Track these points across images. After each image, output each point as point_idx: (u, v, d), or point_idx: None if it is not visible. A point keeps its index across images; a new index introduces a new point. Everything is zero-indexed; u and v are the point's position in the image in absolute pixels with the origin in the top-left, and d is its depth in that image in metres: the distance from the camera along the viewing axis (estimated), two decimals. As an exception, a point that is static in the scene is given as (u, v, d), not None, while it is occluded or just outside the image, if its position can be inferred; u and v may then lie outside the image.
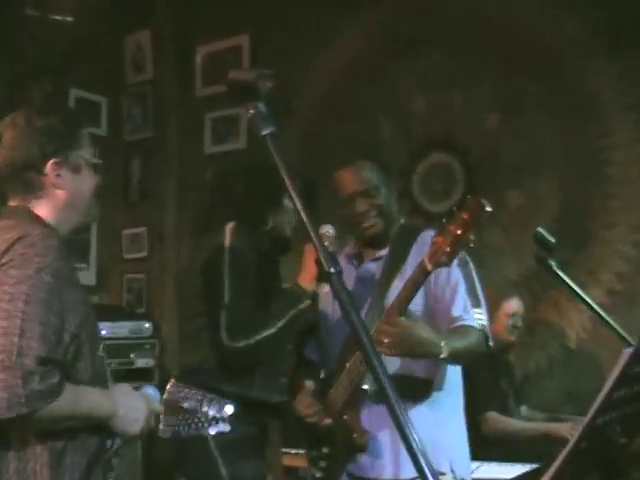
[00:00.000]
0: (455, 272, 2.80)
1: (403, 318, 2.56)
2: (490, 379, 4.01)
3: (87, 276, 5.80)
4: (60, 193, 2.26)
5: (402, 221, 3.07)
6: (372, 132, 5.16)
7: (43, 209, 2.25)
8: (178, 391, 3.00)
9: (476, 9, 4.86)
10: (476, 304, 2.82)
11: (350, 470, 2.88)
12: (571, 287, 2.65)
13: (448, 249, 2.41)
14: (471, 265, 2.88)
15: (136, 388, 2.35)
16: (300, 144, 5.20)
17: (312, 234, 1.39)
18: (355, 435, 2.79)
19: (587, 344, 4.48)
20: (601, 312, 2.63)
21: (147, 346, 5.28)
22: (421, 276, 2.53)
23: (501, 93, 4.82)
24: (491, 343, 2.85)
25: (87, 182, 2.33)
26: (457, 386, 2.96)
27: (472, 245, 2.42)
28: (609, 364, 1.78)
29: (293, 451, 4.36)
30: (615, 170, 4.50)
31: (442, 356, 2.59)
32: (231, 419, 2.90)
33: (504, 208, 4.67)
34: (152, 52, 6.06)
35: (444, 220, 2.45)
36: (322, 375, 3.03)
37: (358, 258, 3.04)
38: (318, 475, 2.94)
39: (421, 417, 2.69)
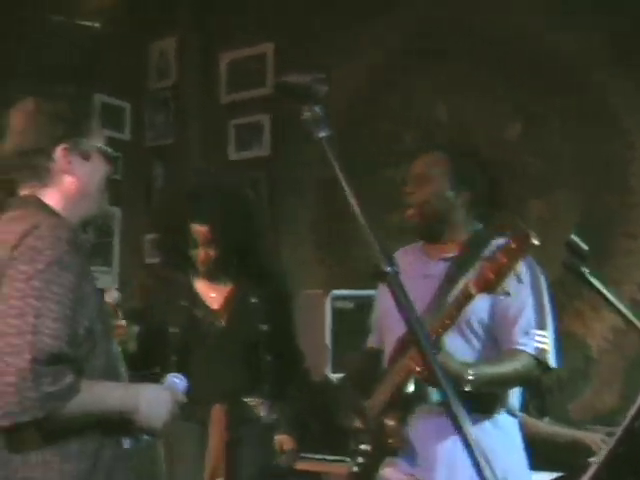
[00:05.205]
0: (524, 290, 2.77)
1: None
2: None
3: (109, 280, 5.84)
4: (70, 180, 2.20)
5: (479, 227, 3.05)
6: (394, 141, 5.18)
7: (53, 197, 2.19)
8: None
9: (496, 19, 4.88)
10: (541, 325, 2.79)
11: (405, 469, 2.87)
12: (605, 295, 2.65)
13: (492, 276, 2.41)
14: (543, 280, 2.85)
15: (158, 375, 2.32)
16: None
17: (369, 233, 1.42)
18: (390, 440, 2.78)
19: (609, 355, 4.48)
20: (635, 320, 2.64)
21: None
22: (465, 300, 2.54)
23: (522, 104, 4.83)
24: (554, 365, 2.83)
25: (98, 170, 2.27)
26: (517, 402, 2.95)
27: (519, 277, 2.44)
28: (631, 374, 1.79)
29: (317, 456, 4.40)
30: (637, 181, 4.50)
31: (466, 389, 2.60)
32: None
33: (525, 218, 4.67)
34: (176, 59, 6.10)
35: (496, 247, 2.49)
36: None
37: (426, 254, 3.05)
38: (355, 469, 2.97)
39: (482, 431, 2.70)
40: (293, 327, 3.82)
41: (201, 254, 3.56)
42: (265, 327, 3.60)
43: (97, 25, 5.85)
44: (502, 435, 2.84)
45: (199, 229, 3.54)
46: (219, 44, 5.89)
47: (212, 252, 3.55)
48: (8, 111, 2.28)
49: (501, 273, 2.40)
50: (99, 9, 5.81)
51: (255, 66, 5.64)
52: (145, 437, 2.18)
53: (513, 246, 2.38)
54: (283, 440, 3.65)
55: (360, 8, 5.33)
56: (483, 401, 2.77)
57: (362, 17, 5.33)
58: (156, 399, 2.16)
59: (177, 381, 2.31)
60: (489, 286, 2.44)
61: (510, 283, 2.61)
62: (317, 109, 1.57)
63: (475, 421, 2.72)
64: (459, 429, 1.31)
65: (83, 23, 5.82)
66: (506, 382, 2.81)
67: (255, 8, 5.71)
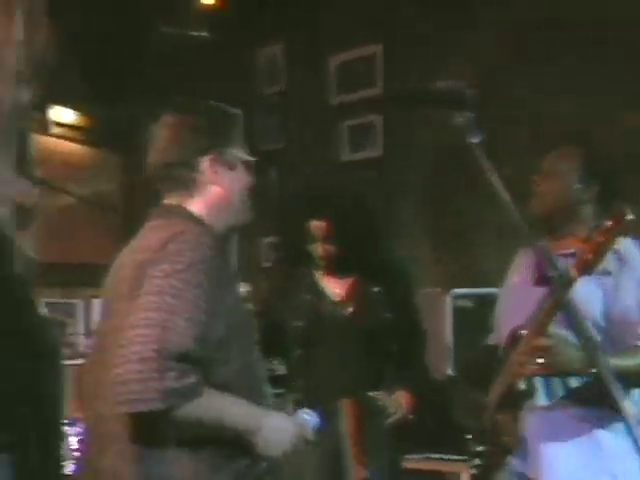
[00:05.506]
0: None
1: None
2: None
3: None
4: (216, 190, 2.24)
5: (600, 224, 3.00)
6: (508, 137, 5.12)
7: (197, 207, 2.22)
8: None
9: (621, 10, 4.79)
10: None
11: (516, 468, 2.84)
12: None
13: (590, 256, 2.39)
14: None
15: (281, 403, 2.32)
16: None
17: (533, 239, 1.42)
18: (506, 438, 2.75)
19: None
20: None
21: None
22: (567, 285, 2.50)
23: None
24: None
25: (242, 179, 2.31)
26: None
27: (619, 254, 2.49)
28: None
29: (435, 456, 4.41)
30: None
31: (586, 378, 2.58)
32: None
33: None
34: (285, 63, 6.16)
35: (592, 227, 2.46)
36: None
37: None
38: (473, 472, 2.96)
39: (594, 433, 2.69)
40: (417, 315, 3.86)
41: (320, 249, 3.64)
42: (388, 315, 3.65)
43: (205, 34, 5.97)
44: (614, 438, 2.72)
45: (317, 225, 3.65)
46: (327, 46, 5.91)
47: (331, 247, 3.64)
48: (143, 125, 2.34)
49: (599, 252, 2.38)
50: (206, 18, 5.92)
51: (364, 67, 5.65)
52: (263, 463, 2.16)
53: (608, 224, 2.36)
54: (402, 396, 3.66)
55: (471, 6, 5.30)
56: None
57: (473, 15, 5.29)
58: (280, 428, 2.17)
59: (308, 418, 2.31)
60: (588, 267, 2.40)
61: (629, 287, 2.65)
62: (469, 115, 1.58)
63: (588, 418, 2.68)
64: (618, 408, 1.30)
65: (192, 33, 5.94)
66: (628, 376, 2.59)
67: (362, 9, 5.71)
